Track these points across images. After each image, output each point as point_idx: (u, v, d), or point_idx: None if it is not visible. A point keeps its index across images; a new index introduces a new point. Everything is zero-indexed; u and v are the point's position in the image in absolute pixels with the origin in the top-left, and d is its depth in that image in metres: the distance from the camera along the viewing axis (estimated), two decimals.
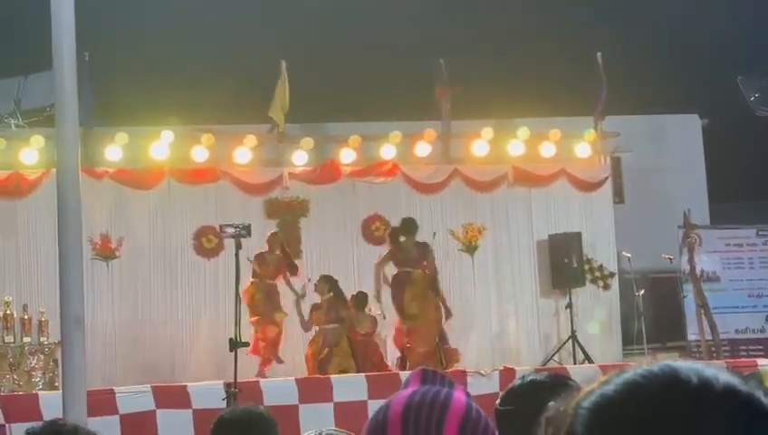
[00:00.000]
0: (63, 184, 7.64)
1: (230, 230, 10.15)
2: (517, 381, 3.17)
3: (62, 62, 7.60)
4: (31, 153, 15.39)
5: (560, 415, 1.24)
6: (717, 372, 1.19)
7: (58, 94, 7.72)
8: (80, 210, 7.71)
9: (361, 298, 14.88)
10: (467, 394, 1.96)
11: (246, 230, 10.14)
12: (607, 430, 1.18)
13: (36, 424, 3.98)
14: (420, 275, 14.74)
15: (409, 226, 14.89)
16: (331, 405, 11.74)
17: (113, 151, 15.72)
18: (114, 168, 15.77)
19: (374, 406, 2.13)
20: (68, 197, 7.61)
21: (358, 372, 13.57)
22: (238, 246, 10.06)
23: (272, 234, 14.95)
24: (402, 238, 14.71)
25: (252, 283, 14.48)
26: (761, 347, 16.98)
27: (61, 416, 6.98)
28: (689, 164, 19.21)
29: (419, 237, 15.07)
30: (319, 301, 14.54)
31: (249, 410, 4.43)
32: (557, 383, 2.97)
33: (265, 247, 14.71)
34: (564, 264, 16.63)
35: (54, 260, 8.31)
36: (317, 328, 14.44)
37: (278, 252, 14.78)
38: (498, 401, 3.13)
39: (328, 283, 14.57)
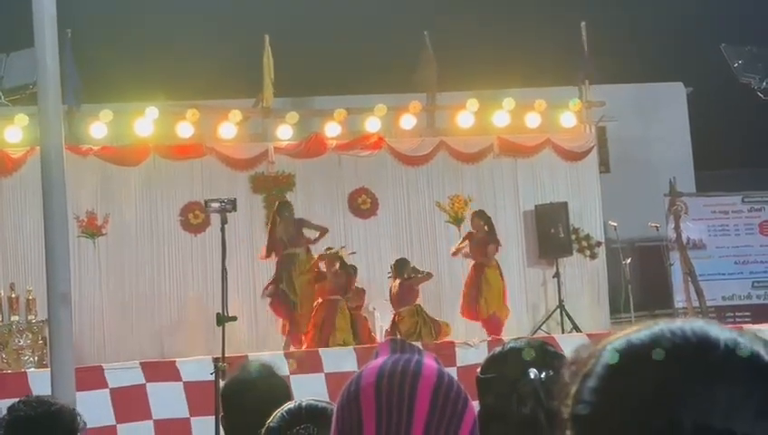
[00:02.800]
0: (48, 162, 7.61)
1: (215, 205, 10.12)
2: (497, 349, 3.18)
3: (43, 39, 7.56)
4: (15, 131, 15.34)
5: (585, 355, 1.24)
6: (748, 340, 1.19)
7: (40, 72, 7.68)
8: (64, 188, 7.69)
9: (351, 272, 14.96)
10: (437, 361, 1.97)
11: (232, 205, 10.10)
12: (623, 375, 1.18)
13: (14, 400, 3.98)
14: None
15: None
16: (322, 376, 11.79)
17: (98, 129, 15.67)
18: (99, 145, 15.72)
19: None
20: (52, 174, 7.59)
21: (356, 344, 13.62)
22: (224, 221, 10.02)
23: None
24: None
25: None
26: (747, 313, 17.05)
27: (50, 394, 6.99)
28: (674, 132, 19.25)
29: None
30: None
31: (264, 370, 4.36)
32: (536, 348, 2.98)
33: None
34: (551, 234, 16.66)
35: (40, 238, 8.30)
36: (320, 300, 14.46)
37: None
38: (479, 370, 3.15)
39: (335, 256, 14.61)
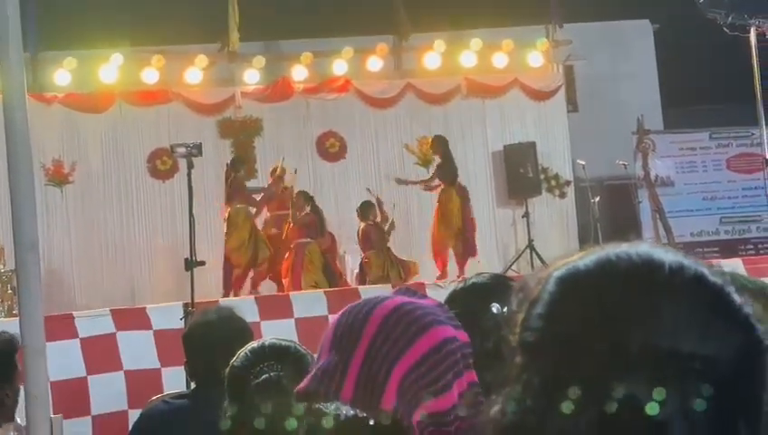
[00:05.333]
0: (10, 109, 7.48)
1: (181, 150, 10.09)
2: (459, 285, 3.19)
3: None
4: None
5: (532, 283, 1.24)
6: (693, 262, 1.19)
7: (0, 19, 7.58)
8: (28, 136, 7.60)
9: (319, 215, 14.96)
10: (440, 305, 1.96)
11: (198, 149, 10.08)
12: (569, 300, 1.19)
13: None
14: None
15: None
16: (293, 321, 11.78)
17: (62, 76, 15.55)
18: (64, 92, 15.61)
19: None
20: (16, 122, 7.46)
21: (330, 287, 13.62)
22: (190, 166, 10.00)
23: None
24: None
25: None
26: (716, 249, 17.17)
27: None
28: (642, 70, 19.21)
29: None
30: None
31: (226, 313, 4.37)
32: (498, 285, 2.99)
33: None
34: (520, 174, 16.69)
35: (5, 187, 8.23)
36: (293, 244, 14.47)
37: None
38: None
39: (306, 198, 14.59)
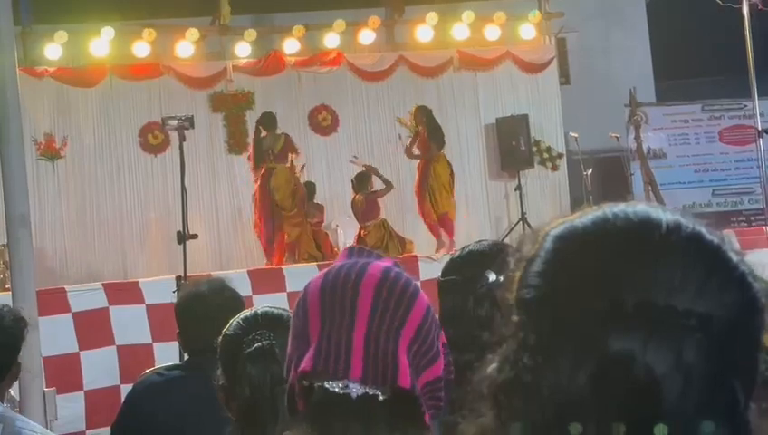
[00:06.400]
0: (1, 84, 7.51)
1: (173, 123, 10.06)
2: (457, 253, 3.19)
3: None
4: None
5: (529, 241, 1.24)
6: (690, 221, 1.20)
7: None
8: (19, 109, 7.60)
9: (310, 188, 14.96)
10: (396, 265, 1.96)
11: (189, 122, 10.05)
12: (566, 257, 1.19)
13: None
14: None
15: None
16: (285, 295, 11.78)
17: (53, 50, 15.48)
18: (54, 66, 15.56)
19: None
20: (6, 96, 7.49)
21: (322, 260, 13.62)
22: (182, 139, 9.98)
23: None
24: None
25: None
26: (708, 221, 17.15)
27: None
28: (634, 43, 19.22)
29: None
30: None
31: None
32: (496, 251, 2.99)
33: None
34: (512, 146, 16.68)
35: None
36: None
37: None
38: (440, 274, 3.15)
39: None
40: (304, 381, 1.81)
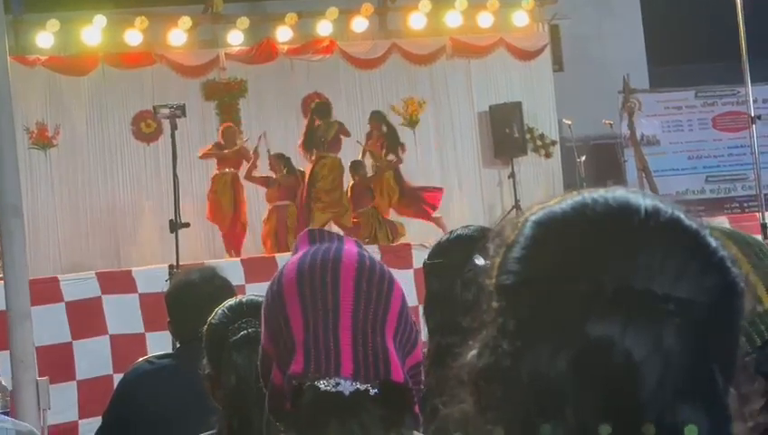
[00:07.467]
0: None
1: (164, 111, 10.04)
2: (444, 237, 3.19)
3: None
4: None
5: (509, 227, 1.24)
6: (669, 205, 1.19)
7: None
8: (10, 99, 7.58)
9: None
10: (358, 244, 1.95)
11: (181, 110, 10.03)
12: (545, 243, 1.19)
13: None
14: None
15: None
16: None
17: (44, 38, 15.44)
18: (46, 55, 15.53)
19: None
20: None
21: None
22: (174, 127, 9.97)
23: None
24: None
25: None
26: (702, 208, 17.08)
27: (4, 307, 6.99)
28: (628, 29, 19.16)
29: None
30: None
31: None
32: (483, 236, 2.98)
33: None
34: (506, 134, 16.68)
35: None
36: (270, 206, 14.48)
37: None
38: (427, 257, 3.15)
39: (282, 160, 14.57)
40: (294, 381, 1.80)
